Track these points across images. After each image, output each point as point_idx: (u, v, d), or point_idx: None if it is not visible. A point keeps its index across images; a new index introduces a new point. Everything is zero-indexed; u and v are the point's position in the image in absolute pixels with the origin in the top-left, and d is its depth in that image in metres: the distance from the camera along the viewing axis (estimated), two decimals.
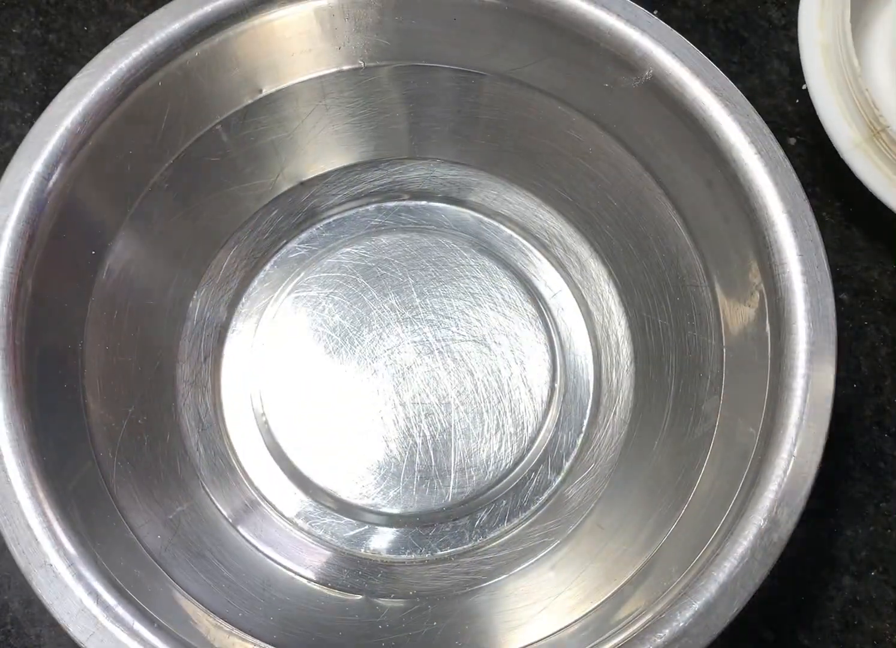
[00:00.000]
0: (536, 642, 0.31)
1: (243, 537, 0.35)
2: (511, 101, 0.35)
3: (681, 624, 0.28)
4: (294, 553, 0.36)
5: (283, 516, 0.37)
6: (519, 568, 0.36)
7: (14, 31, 0.43)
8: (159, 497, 0.33)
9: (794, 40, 0.38)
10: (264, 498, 0.37)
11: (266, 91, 0.34)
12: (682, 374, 0.35)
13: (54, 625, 0.29)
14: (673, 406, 0.35)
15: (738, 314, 0.34)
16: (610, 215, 0.37)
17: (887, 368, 0.39)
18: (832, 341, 0.30)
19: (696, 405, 0.34)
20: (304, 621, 0.33)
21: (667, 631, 0.28)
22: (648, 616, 0.28)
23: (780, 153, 0.32)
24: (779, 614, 0.37)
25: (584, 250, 0.39)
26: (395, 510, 0.36)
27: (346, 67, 0.34)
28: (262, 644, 0.29)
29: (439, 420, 0.37)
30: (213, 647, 0.28)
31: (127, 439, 0.32)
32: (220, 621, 0.29)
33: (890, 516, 0.38)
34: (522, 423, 0.37)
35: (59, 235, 0.29)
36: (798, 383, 0.30)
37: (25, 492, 0.27)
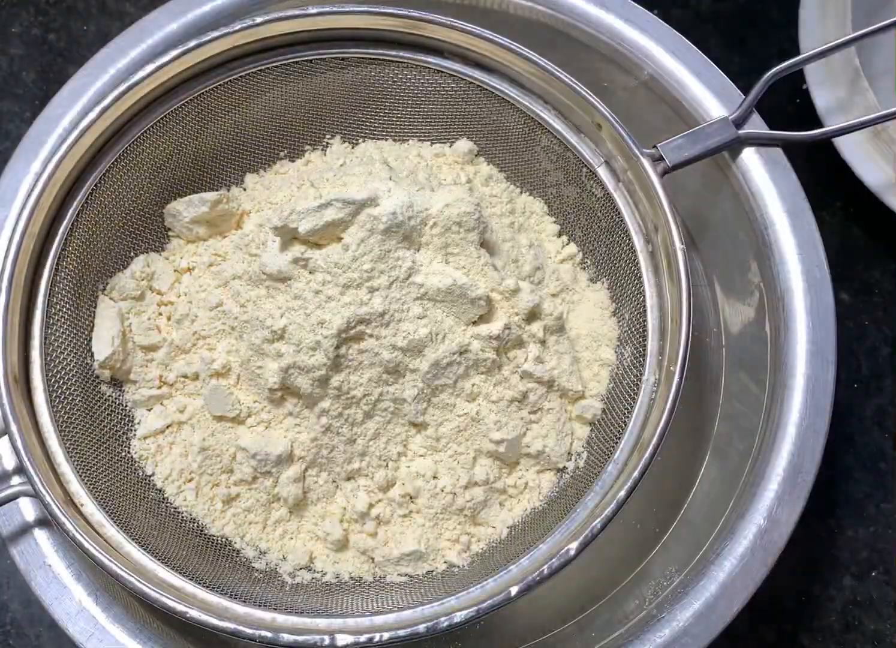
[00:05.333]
0: (537, 641, 0.31)
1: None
2: None
3: (681, 624, 0.28)
4: None
5: None
6: None
7: (14, 30, 0.43)
8: None
9: (794, 40, 0.38)
10: None
11: None
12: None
13: (53, 626, 0.28)
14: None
15: (737, 314, 0.34)
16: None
17: (887, 368, 0.39)
18: (832, 340, 0.30)
19: (699, 406, 0.34)
20: None
21: (667, 631, 0.28)
22: (649, 616, 0.29)
23: (779, 152, 0.32)
24: (779, 614, 0.37)
25: None
26: None
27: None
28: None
29: None
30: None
31: None
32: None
33: (891, 516, 0.38)
34: None
35: None
36: (798, 383, 0.30)
37: None
